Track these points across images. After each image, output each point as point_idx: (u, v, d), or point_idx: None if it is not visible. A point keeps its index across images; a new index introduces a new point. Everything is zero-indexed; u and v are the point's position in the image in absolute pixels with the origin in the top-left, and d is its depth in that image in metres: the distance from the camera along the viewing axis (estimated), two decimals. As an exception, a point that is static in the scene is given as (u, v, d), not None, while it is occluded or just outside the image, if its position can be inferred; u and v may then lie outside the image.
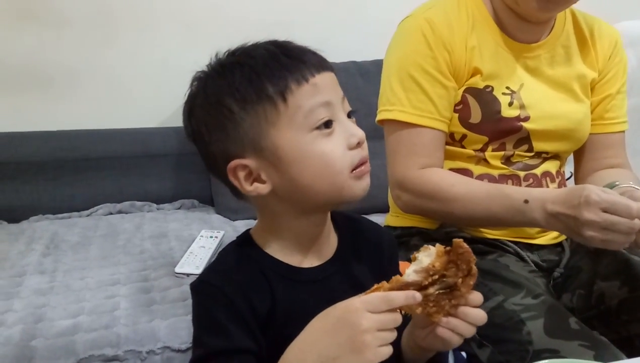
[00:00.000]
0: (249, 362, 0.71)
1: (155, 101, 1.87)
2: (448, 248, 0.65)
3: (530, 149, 1.06)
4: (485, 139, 1.03)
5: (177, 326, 1.06)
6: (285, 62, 0.67)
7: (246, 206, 1.77)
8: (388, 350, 0.58)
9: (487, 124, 1.02)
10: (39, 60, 1.77)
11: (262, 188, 0.69)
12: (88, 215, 1.73)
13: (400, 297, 0.60)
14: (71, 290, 1.19)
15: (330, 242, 0.79)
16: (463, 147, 1.06)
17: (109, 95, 1.85)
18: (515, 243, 1.06)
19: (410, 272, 0.65)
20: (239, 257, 0.75)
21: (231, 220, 1.68)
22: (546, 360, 0.57)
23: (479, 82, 1.02)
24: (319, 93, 0.66)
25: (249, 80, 0.66)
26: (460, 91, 1.03)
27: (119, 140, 1.81)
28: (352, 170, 0.68)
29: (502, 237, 1.06)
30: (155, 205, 1.80)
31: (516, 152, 1.05)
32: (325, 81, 0.67)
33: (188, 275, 1.25)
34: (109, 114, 1.85)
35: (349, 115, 0.70)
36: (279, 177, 0.69)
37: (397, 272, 0.83)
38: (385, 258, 0.85)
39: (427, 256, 0.65)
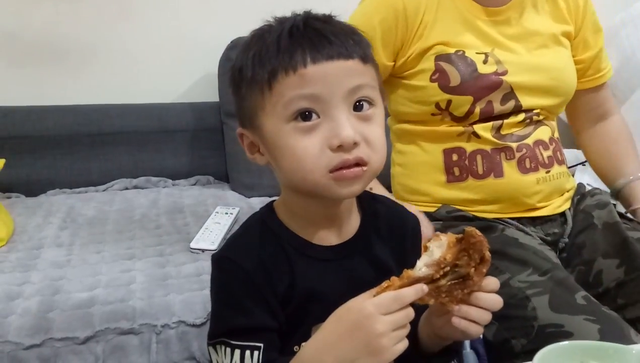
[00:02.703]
0: (269, 340, 0.71)
1: (172, 76, 1.87)
2: (460, 236, 0.64)
3: (518, 107, 1.06)
4: (470, 98, 1.03)
5: (192, 301, 1.06)
6: (285, 47, 0.64)
7: (261, 183, 1.78)
8: (403, 346, 0.60)
9: (468, 84, 1.03)
10: (55, 34, 1.77)
11: (260, 159, 0.72)
12: (104, 190, 1.74)
13: (411, 294, 0.61)
14: (87, 264, 1.20)
15: (351, 222, 0.78)
16: (451, 114, 1.06)
17: (125, 70, 1.85)
18: (518, 219, 1.07)
19: (421, 265, 0.64)
20: (261, 231, 0.75)
21: (246, 196, 1.67)
22: (558, 343, 0.56)
23: (448, 49, 1.04)
24: (306, 85, 0.63)
25: (254, 60, 0.66)
26: (432, 61, 1.04)
27: (134, 115, 1.81)
28: (332, 171, 0.65)
29: (504, 216, 1.07)
30: (170, 181, 1.80)
31: (505, 122, 1.05)
32: (324, 72, 0.63)
33: (203, 250, 1.25)
34: (125, 89, 1.85)
35: (361, 108, 0.66)
36: (269, 156, 0.70)
37: (419, 255, 0.82)
38: (408, 241, 0.84)
39: (439, 247, 0.64)
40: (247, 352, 0.70)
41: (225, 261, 0.75)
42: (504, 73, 1.04)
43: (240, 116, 0.71)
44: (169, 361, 1.01)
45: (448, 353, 0.76)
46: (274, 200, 0.80)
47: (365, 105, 0.66)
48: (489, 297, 0.66)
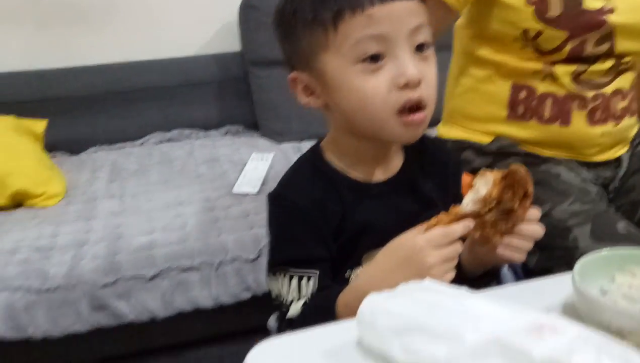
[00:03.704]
0: (323, 269, 0.78)
1: (192, 28, 1.91)
2: (505, 173, 0.67)
3: (610, 51, 0.98)
4: (565, 35, 0.95)
5: (243, 240, 1.16)
6: None
7: (291, 128, 1.83)
8: (451, 276, 0.65)
9: (567, 18, 0.94)
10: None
11: (314, 102, 0.74)
12: (141, 145, 1.82)
13: (459, 230, 0.65)
14: (142, 211, 1.29)
15: (396, 158, 0.83)
16: (537, 47, 0.98)
17: (146, 25, 1.89)
18: (571, 160, 1.05)
19: (467, 201, 0.67)
20: (312, 170, 0.81)
21: (277, 143, 1.74)
22: (596, 252, 0.61)
23: None
24: (374, 25, 0.64)
25: (314, 1, 0.67)
26: None
27: (160, 70, 1.87)
28: (399, 113, 0.68)
29: (559, 156, 1.05)
30: (202, 132, 1.87)
31: (590, 68, 0.99)
32: (389, 12, 0.64)
33: (245, 194, 1.33)
34: (147, 44, 1.89)
35: (422, 48, 0.67)
36: (328, 98, 0.73)
37: (459, 189, 0.88)
38: (450, 176, 0.89)
39: (484, 184, 0.67)
40: (304, 280, 0.78)
41: (281, 198, 0.81)
42: (611, 11, 0.94)
43: (293, 59, 0.72)
44: (228, 293, 1.12)
45: (488, 276, 0.82)
46: (319, 141, 0.85)
47: (425, 45, 0.67)
48: (530, 227, 0.71)
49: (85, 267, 1.09)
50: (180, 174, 1.52)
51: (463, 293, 0.56)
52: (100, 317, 1.07)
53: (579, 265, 0.56)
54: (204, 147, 1.73)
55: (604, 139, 1.04)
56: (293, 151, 1.62)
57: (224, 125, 1.90)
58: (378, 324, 0.52)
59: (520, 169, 0.67)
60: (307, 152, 0.85)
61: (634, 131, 1.10)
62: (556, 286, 0.61)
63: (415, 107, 0.68)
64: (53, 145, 1.71)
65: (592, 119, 1.01)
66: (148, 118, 1.85)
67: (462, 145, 1.11)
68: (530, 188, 0.68)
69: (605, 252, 0.60)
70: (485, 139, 1.08)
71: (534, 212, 0.71)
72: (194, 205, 1.31)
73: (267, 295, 1.11)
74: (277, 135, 1.76)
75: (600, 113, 1.01)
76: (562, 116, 1.01)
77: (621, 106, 1.03)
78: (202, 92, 1.88)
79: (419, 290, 0.56)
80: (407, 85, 0.66)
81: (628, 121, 1.05)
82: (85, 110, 1.79)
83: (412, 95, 0.67)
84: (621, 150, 1.08)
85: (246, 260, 1.13)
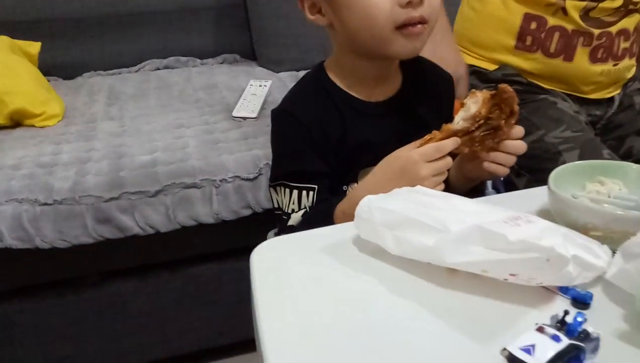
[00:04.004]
0: (322, 183, 0.83)
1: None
2: (493, 92, 0.72)
3: None
4: None
5: (243, 160, 1.19)
6: None
7: (288, 57, 1.84)
8: (441, 188, 0.71)
9: None
10: None
11: (321, 20, 0.77)
12: (137, 71, 1.82)
13: (449, 144, 0.71)
14: (142, 132, 1.32)
15: (395, 80, 0.87)
16: None
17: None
18: (568, 95, 1.11)
19: (458, 119, 0.73)
20: (315, 88, 0.85)
21: (274, 72, 1.75)
22: (569, 163, 0.67)
23: None
24: None
25: None
26: None
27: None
28: (400, 28, 0.71)
29: (556, 89, 1.11)
30: (199, 60, 1.87)
31: (600, 5, 1.02)
32: None
33: (245, 118, 1.36)
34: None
35: None
36: (333, 16, 0.76)
37: (452, 109, 0.93)
38: (444, 96, 0.93)
39: (474, 103, 0.72)
40: (304, 192, 0.83)
41: (285, 115, 0.85)
42: None
43: None
44: (228, 209, 1.17)
45: (473, 194, 0.87)
46: (323, 61, 0.88)
47: None
48: (514, 143, 0.76)
49: (89, 182, 1.12)
50: (179, 98, 1.54)
51: (452, 196, 0.62)
52: (105, 229, 1.12)
53: (553, 173, 0.62)
54: (202, 74, 1.74)
55: (602, 78, 1.09)
56: (291, 80, 1.64)
57: (220, 53, 1.89)
58: (374, 219, 0.58)
59: (507, 88, 0.71)
60: (311, 70, 0.88)
61: (631, 74, 1.15)
62: (535, 197, 0.67)
63: (418, 23, 0.72)
64: (46, 69, 1.68)
65: (594, 56, 1.05)
66: (144, 44, 1.84)
67: (468, 71, 1.15)
68: (516, 107, 0.73)
69: (578, 164, 0.67)
70: (490, 66, 1.12)
71: (519, 130, 0.76)
72: (193, 128, 1.33)
73: (267, 212, 1.18)
74: (275, 64, 1.76)
75: (602, 52, 1.05)
76: (566, 51, 1.05)
77: (623, 47, 1.07)
78: (200, 18, 1.86)
79: (412, 192, 0.62)
80: (409, 4, 0.70)
81: (627, 62, 1.10)
82: (79, 33, 1.77)
83: (414, 13, 0.70)
84: (615, 91, 1.14)
85: (246, 179, 1.17)
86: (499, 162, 0.77)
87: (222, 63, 1.88)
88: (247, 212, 1.18)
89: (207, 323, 1.32)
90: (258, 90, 1.48)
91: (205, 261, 1.28)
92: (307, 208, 0.83)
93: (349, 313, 0.52)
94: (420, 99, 0.89)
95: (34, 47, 1.63)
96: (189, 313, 1.30)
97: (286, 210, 0.85)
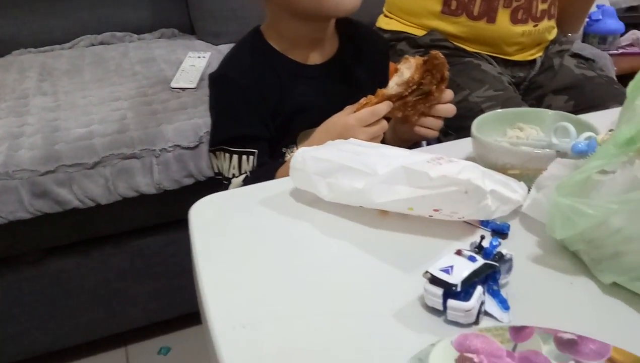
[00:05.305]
0: (262, 147, 0.85)
1: None
2: (425, 58, 0.76)
3: None
4: None
5: (183, 128, 1.19)
6: None
7: (227, 30, 1.82)
8: None
9: None
10: None
11: None
12: (70, 47, 1.76)
13: (383, 108, 0.75)
14: (77, 106, 1.28)
15: (331, 43, 0.89)
16: None
17: None
18: (493, 58, 1.17)
19: (392, 85, 0.76)
20: (252, 52, 0.85)
21: (214, 45, 1.73)
22: (491, 112, 0.71)
23: None
24: None
25: None
26: None
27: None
28: None
29: (482, 52, 1.17)
30: (136, 35, 1.83)
31: None
32: None
33: (184, 89, 1.35)
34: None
35: None
36: None
37: (387, 72, 0.96)
38: (379, 60, 0.96)
39: (408, 68, 0.76)
40: (244, 157, 0.84)
41: (223, 78, 0.86)
42: None
43: None
44: (170, 179, 1.16)
45: None
46: (259, 26, 0.89)
47: None
48: (444, 107, 0.82)
49: (23, 156, 1.09)
50: (116, 72, 1.50)
51: (382, 145, 0.65)
52: (43, 203, 1.09)
53: (476, 121, 0.66)
54: (139, 49, 1.70)
55: (523, 39, 1.15)
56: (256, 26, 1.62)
57: (158, 28, 1.86)
58: (308, 168, 0.60)
59: (438, 54, 0.76)
60: (247, 35, 0.89)
61: (552, 36, 1.22)
62: (460, 147, 0.71)
63: None
64: (-29, 47, 1.63)
65: (515, 17, 1.12)
66: (77, 19, 1.78)
67: (399, 37, 1.20)
68: (447, 73, 0.77)
69: (499, 112, 0.71)
70: (419, 32, 1.17)
71: (449, 93, 0.81)
72: (131, 100, 1.31)
73: (210, 180, 1.18)
74: (214, 37, 1.75)
75: (522, 13, 1.11)
76: (489, 14, 1.11)
77: (541, 8, 1.13)
78: (135, -9, 1.82)
79: (345, 143, 0.65)
80: None
81: (546, 24, 1.16)
82: (6, 9, 1.70)
83: None
84: (537, 54, 1.21)
85: (187, 147, 1.17)
86: (429, 126, 0.82)
87: (160, 38, 1.84)
88: (189, 181, 1.18)
89: (155, 297, 1.32)
90: (197, 62, 1.46)
91: (150, 233, 1.28)
92: (248, 173, 0.84)
93: (285, 256, 0.54)
94: (357, 61, 0.91)
95: (-44, 22, 1.54)
96: (135, 287, 1.30)
97: (227, 176, 0.86)
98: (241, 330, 0.44)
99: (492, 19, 1.12)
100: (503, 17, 1.12)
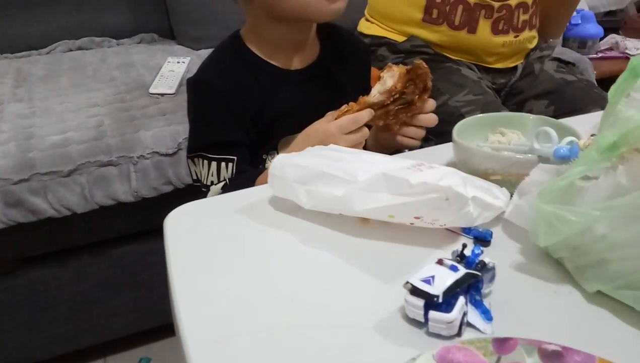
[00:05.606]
0: (241, 154, 0.83)
1: None
2: (408, 67, 0.75)
3: None
4: None
5: (161, 135, 1.16)
6: None
7: (207, 35, 1.80)
8: None
9: None
10: None
11: None
12: (47, 53, 1.73)
13: (365, 116, 0.74)
14: (53, 113, 1.25)
15: (313, 48, 0.88)
16: None
17: None
18: (474, 64, 1.17)
19: (375, 93, 0.75)
20: (232, 57, 0.84)
21: (194, 49, 1.71)
22: (473, 116, 0.70)
23: None
24: None
25: None
26: None
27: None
28: None
29: (463, 59, 1.16)
30: (114, 40, 1.80)
31: None
32: None
33: (162, 95, 1.33)
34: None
35: None
36: None
37: (369, 78, 0.95)
38: (361, 65, 0.96)
39: (391, 77, 0.75)
40: (223, 164, 0.82)
41: (201, 84, 0.84)
42: None
43: None
44: (148, 186, 1.14)
45: None
46: (238, 30, 0.87)
47: None
48: (426, 117, 0.81)
49: (-5, 165, 1.07)
50: (93, 78, 1.47)
51: (362, 151, 0.64)
52: (17, 213, 1.06)
53: (458, 126, 0.65)
54: (118, 54, 1.67)
55: (504, 49, 1.15)
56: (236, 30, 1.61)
57: (137, 33, 1.83)
58: (286, 176, 0.58)
59: (422, 64, 0.75)
60: (227, 39, 0.87)
61: (533, 44, 1.22)
62: (441, 152, 0.70)
63: None
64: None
65: (496, 28, 1.11)
66: (55, 24, 1.74)
67: (379, 42, 1.20)
68: (429, 83, 0.76)
69: (480, 116, 0.71)
70: (400, 38, 1.17)
71: (431, 103, 0.80)
72: (108, 106, 1.28)
73: (189, 187, 1.15)
74: (194, 42, 1.72)
75: (503, 24, 1.11)
76: (470, 24, 1.10)
77: (523, 19, 1.13)
78: (113, -4, 1.79)
79: (325, 149, 0.63)
80: None
81: (528, 34, 1.16)
82: (-18, 14, 1.67)
83: None
84: (518, 61, 1.21)
85: (165, 154, 1.14)
86: (411, 136, 0.81)
87: (139, 43, 1.81)
88: (168, 189, 1.16)
89: (134, 307, 1.29)
90: (176, 67, 1.44)
91: (129, 242, 1.25)
92: (227, 180, 0.82)
93: (262, 267, 0.52)
94: (338, 66, 0.90)
95: None
96: (114, 297, 1.27)
97: (205, 183, 0.84)
98: (215, 345, 0.42)
99: (473, 30, 1.11)
100: (484, 27, 1.11)
